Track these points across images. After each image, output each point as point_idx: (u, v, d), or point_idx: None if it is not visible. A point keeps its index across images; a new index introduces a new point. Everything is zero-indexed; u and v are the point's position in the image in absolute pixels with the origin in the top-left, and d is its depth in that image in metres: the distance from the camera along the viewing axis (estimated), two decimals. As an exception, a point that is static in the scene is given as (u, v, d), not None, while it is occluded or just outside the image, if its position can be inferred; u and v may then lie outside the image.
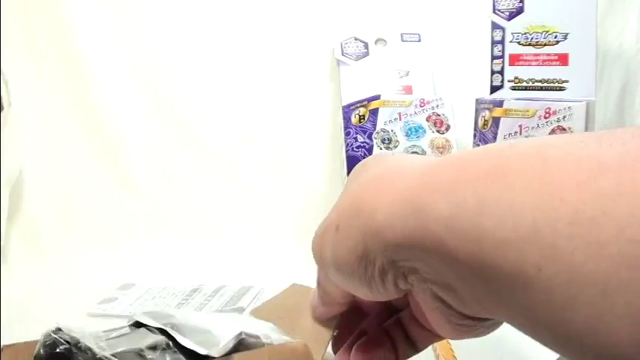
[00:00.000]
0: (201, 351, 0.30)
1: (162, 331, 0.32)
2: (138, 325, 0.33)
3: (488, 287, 0.21)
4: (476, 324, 0.26)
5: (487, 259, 0.20)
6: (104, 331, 0.32)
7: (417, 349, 0.32)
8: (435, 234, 0.22)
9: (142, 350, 0.31)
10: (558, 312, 0.20)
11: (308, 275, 0.59)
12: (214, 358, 0.30)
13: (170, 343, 0.31)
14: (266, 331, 0.34)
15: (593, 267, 0.19)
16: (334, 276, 0.28)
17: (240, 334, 0.32)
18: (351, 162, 0.60)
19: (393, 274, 0.25)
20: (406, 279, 0.25)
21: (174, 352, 0.31)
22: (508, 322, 0.22)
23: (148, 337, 0.32)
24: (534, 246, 0.19)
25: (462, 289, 0.23)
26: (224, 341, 0.31)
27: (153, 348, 0.31)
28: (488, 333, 0.27)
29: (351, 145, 0.61)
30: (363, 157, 0.60)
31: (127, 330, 0.33)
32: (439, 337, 0.31)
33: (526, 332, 0.22)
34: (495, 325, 0.27)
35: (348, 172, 0.60)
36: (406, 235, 0.23)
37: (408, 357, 0.32)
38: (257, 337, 0.33)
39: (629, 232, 0.19)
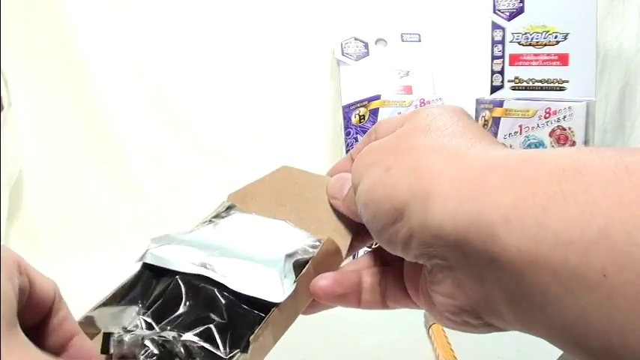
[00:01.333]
0: (266, 296, 0.29)
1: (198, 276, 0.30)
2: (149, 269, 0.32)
3: (528, 289, 0.20)
4: (486, 328, 0.25)
5: (542, 259, 0.19)
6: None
7: (385, 304, 0.31)
8: (488, 223, 0.21)
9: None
10: (620, 322, 0.18)
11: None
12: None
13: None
14: (298, 239, 0.33)
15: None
16: (359, 203, 0.27)
17: (289, 257, 0.31)
18: (351, 162, 0.60)
19: (418, 249, 0.24)
20: (429, 260, 0.24)
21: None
22: (533, 332, 0.21)
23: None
24: (602, 251, 0.18)
25: (495, 290, 0.22)
26: (279, 280, 0.29)
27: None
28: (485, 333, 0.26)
29: (351, 145, 0.61)
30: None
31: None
32: (413, 305, 0.30)
33: (556, 341, 0.21)
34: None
35: (348, 172, 0.60)
36: (457, 221, 0.22)
37: (369, 305, 0.31)
38: (296, 252, 0.32)
39: None
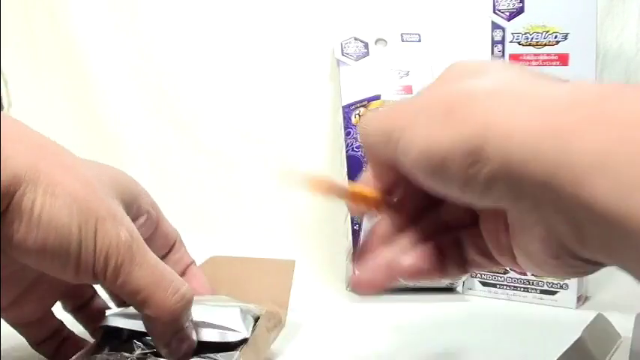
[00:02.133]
0: (230, 337, 0.33)
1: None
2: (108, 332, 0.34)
3: (625, 237, 0.18)
4: (585, 266, 0.23)
5: (633, 210, 0.17)
6: None
7: (465, 271, 0.29)
8: (578, 166, 0.19)
9: None
10: None
11: (308, 274, 0.59)
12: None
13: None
14: (243, 305, 0.37)
15: None
16: (414, 161, 0.24)
17: (242, 311, 0.34)
18: (351, 162, 0.60)
19: (504, 190, 0.22)
20: (517, 201, 0.22)
21: None
22: (630, 271, 0.20)
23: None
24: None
25: (592, 232, 0.20)
26: (236, 324, 0.33)
27: None
28: (589, 274, 0.24)
29: (351, 145, 0.61)
30: (364, 157, 0.60)
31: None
32: (498, 265, 0.28)
33: None
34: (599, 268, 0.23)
35: (348, 172, 0.60)
36: (543, 161, 0.20)
37: (454, 277, 0.29)
38: (248, 309, 0.37)
39: None
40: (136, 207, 0.36)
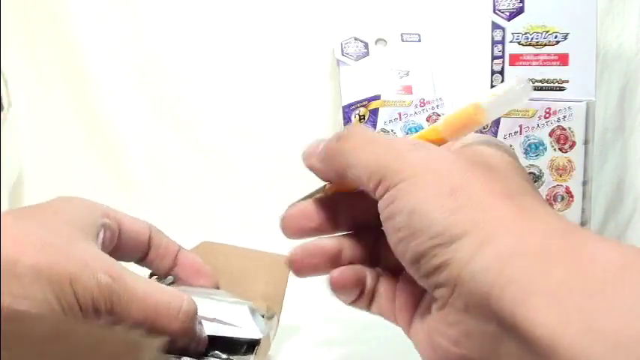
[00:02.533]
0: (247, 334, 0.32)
1: None
2: None
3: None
4: None
5: (567, 341, 0.19)
6: None
7: (368, 307, 0.31)
8: (527, 295, 0.20)
9: None
10: None
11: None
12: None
13: None
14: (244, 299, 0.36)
15: None
16: (396, 208, 0.26)
17: (251, 309, 0.34)
18: (351, 162, 0.60)
19: (446, 282, 0.24)
20: (453, 298, 0.24)
21: None
22: None
23: None
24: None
25: (510, 348, 0.22)
26: (247, 323, 0.33)
27: None
28: None
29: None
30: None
31: None
32: (392, 320, 0.30)
33: None
34: None
35: (348, 172, 0.60)
36: (499, 277, 0.22)
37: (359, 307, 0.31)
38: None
39: None
40: (96, 227, 0.34)
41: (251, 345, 0.33)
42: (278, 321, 0.40)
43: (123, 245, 0.36)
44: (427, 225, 0.24)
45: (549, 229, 0.23)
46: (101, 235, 0.34)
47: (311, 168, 0.32)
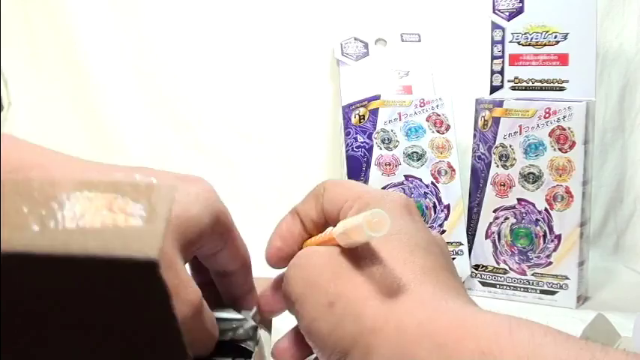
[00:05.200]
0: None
1: None
2: None
3: None
4: None
5: None
6: None
7: None
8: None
9: None
10: None
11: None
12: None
13: None
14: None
15: None
16: (302, 327, 0.29)
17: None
18: (351, 162, 0.60)
19: None
20: None
21: None
22: None
23: None
24: None
25: None
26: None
27: None
28: None
29: (351, 145, 0.61)
30: (363, 157, 0.60)
31: None
32: None
33: None
34: None
35: (348, 172, 0.60)
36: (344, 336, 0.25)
37: None
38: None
39: None
40: (198, 244, 0.32)
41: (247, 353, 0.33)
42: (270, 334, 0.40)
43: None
44: (322, 342, 0.27)
45: (420, 329, 0.25)
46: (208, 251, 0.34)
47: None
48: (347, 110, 0.62)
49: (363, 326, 0.26)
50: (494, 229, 0.58)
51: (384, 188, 0.60)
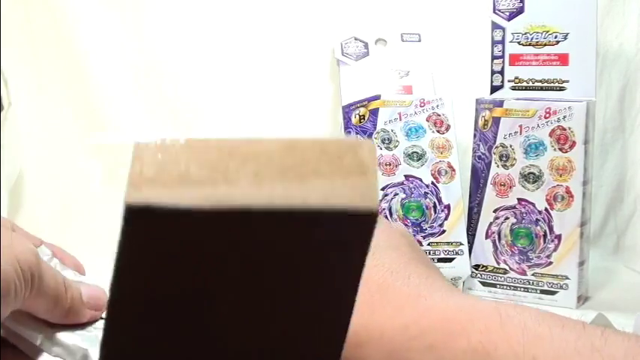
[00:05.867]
0: None
1: None
2: None
3: None
4: None
5: None
6: None
7: None
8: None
9: None
10: None
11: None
12: None
13: None
14: None
15: None
16: None
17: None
18: (351, 162, 0.60)
19: None
20: None
21: None
22: None
23: None
24: None
25: None
26: None
27: None
28: None
29: (351, 145, 0.61)
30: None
31: None
32: None
33: None
34: None
35: (348, 172, 0.60)
36: None
37: None
38: None
39: None
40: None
41: None
42: None
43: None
44: None
45: (407, 333, 0.24)
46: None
47: None
48: (347, 110, 0.62)
49: (347, 344, 0.25)
50: (494, 229, 0.58)
51: (384, 188, 0.60)
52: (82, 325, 0.32)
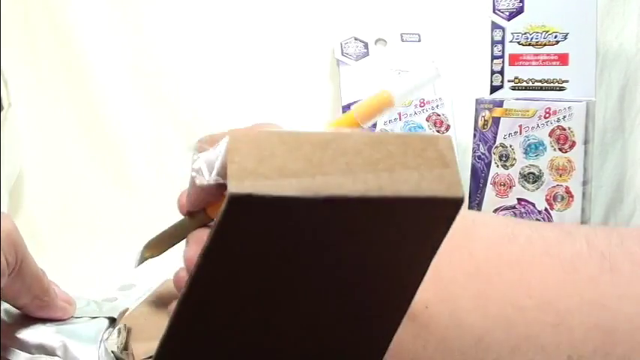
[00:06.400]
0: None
1: None
2: None
3: None
4: None
5: None
6: None
7: None
8: None
9: None
10: (432, 347, 0.23)
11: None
12: None
13: None
14: None
15: (476, 319, 0.23)
16: None
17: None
18: (351, 162, 0.60)
19: None
20: None
21: None
22: None
23: None
24: (429, 285, 0.22)
25: None
26: None
27: None
28: None
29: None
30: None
31: None
32: None
33: None
34: None
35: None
36: None
37: None
38: None
39: (512, 298, 0.23)
40: None
41: None
42: None
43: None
44: None
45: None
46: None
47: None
48: (347, 110, 0.61)
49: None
50: (494, 229, 0.58)
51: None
52: (56, 320, 0.34)
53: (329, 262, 0.20)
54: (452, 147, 0.19)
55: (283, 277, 0.20)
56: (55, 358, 0.31)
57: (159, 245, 0.39)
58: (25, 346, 0.31)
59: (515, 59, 0.58)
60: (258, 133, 0.17)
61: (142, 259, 0.39)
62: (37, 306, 0.32)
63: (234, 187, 0.17)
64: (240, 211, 0.17)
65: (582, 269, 0.23)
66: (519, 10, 0.57)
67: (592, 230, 0.25)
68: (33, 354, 0.31)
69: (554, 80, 0.57)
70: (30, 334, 0.32)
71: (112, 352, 0.33)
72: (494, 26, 0.58)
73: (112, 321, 0.36)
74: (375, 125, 0.61)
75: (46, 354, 0.31)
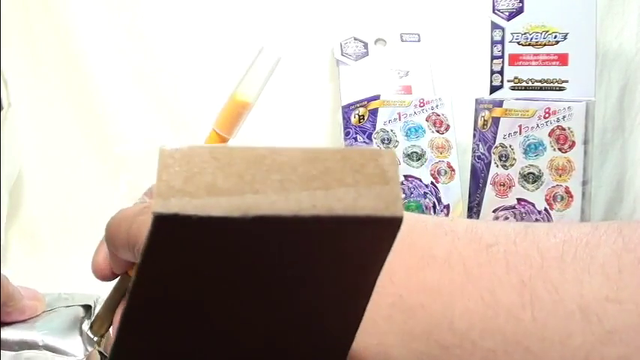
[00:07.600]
0: None
1: None
2: None
3: None
4: None
5: None
6: None
7: None
8: None
9: None
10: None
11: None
12: None
13: None
14: None
15: (403, 354, 0.22)
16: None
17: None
18: (351, 162, 0.60)
19: None
20: None
21: None
22: None
23: None
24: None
25: None
26: None
27: None
28: None
29: (351, 145, 0.61)
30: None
31: None
32: None
33: None
34: None
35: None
36: None
37: None
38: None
39: (436, 335, 0.22)
40: None
41: None
42: None
43: None
44: None
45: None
46: None
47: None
48: (346, 110, 0.62)
49: None
50: (493, 229, 0.58)
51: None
52: (23, 321, 0.35)
53: (268, 280, 0.19)
54: (395, 162, 0.18)
55: (221, 297, 0.19)
56: (39, 350, 0.32)
57: (103, 322, 0.39)
58: (6, 345, 0.32)
59: (514, 59, 0.58)
60: (189, 149, 0.17)
61: (96, 341, 0.39)
62: (4, 313, 0.33)
63: (159, 206, 0.16)
64: (167, 232, 0.17)
65: (503, 300, 0.22)
66: (519, 10, 0.57)
67: (512, 246, 0.24)
68: (16, 351, 0.32)
69: (554, 80, 0.57)
70: (9, 334, 0.32)
71: (90, 337, 0.34)
72: (494, 26, 0.58)
73: (87, 309, 0.36)
74: (374, 125, 0.61)
75: (29, 348, 0.32)
